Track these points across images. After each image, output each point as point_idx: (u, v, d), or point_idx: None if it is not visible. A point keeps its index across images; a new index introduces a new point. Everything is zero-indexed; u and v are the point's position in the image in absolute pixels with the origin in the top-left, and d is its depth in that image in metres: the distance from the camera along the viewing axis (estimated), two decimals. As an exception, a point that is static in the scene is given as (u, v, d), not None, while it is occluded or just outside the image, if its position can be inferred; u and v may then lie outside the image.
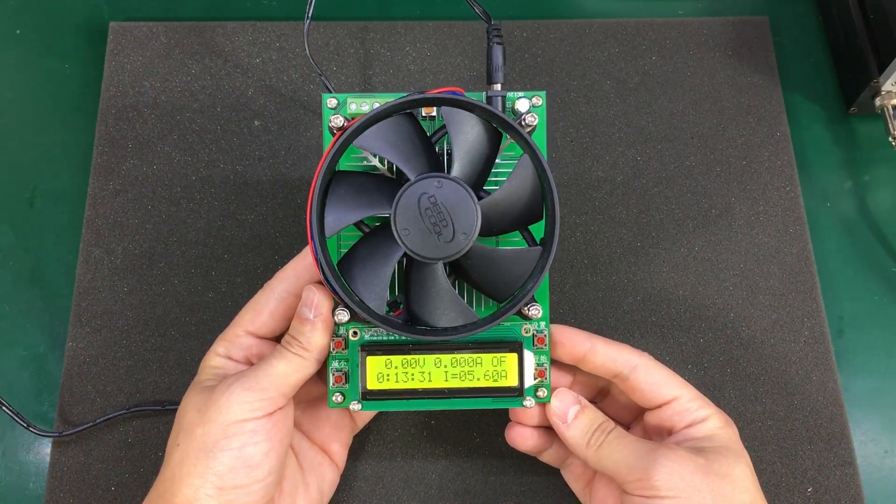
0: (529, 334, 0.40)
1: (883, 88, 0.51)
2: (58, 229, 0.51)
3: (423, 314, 0.37)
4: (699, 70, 0.55)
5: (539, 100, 0.39)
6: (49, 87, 0.55)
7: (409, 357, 0.39)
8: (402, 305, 0.39)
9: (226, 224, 0.50)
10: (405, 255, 0.36)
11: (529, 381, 0.39)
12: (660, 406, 0.39)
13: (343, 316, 0.37)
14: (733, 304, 0.49)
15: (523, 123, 0.37)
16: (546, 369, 0.40)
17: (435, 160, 0.37)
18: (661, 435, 0.40)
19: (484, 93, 0.39)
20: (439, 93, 0.36)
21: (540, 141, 0.39)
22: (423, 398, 0.39)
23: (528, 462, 0.44)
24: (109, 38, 0.55)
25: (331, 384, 0.39)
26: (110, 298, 0.49)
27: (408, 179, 0.36)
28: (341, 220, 0.36)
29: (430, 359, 0.39)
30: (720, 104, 0.54)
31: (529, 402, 0.39)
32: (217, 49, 0.54)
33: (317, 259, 0.36)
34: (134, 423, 0.46)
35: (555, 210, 0.36)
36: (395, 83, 0.54)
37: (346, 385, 0.39)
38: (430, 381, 0.39)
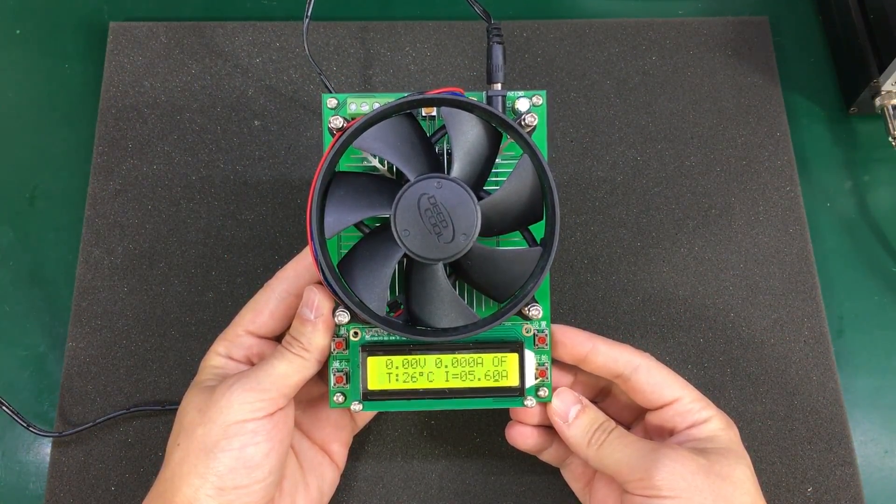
0: (530, 334, 0.40)
1: (883, 88, 0.51)
2: (58, 229, 0.51)
3: (424, 315, 0.37)
4: (699, 70, 0.55)
5: (539, 99, 0.39)
6: (49, 88, 0.55)
7: (409, 357, 0.39)
8: (402, 306, 0.39)
9: (226, 224, 0.50)
10: (405, 255, 0.36)
11: (530, 381, 0.39)
12: (661, 407, 0.39)
13: (343, 317, 0.37)
14: (733, 304, 0.49)
15: (523, 123, 0.37)
16: (547, 369, 0.40)
17: (435, 161, 0.37)
18: (662, 436, 0.40)
19: (484, 92, 0.39)
20: (439, 93, 0.36)
21: (540, 140, 0.39)
22: (424, 398, 0.39)
23: (527, 462, 0.44)
24: (109, 38, 0.55)
25: (332, 384, 0.39)
26: (110, 298, 0.48)
27: (408, 180, 0.36)
28: (341, 221, 0.36)
29: (430, 359, 0.39)
30: (720, 104, 0.54)
31: (530, 401, 0.39)
32: (217, 49, 0.54)
33: (317, 260, 0.36)
34: (134, 423, 0.46)
35: (555, 210, 0.36)
36: (395, 83, 0.54)
37: (347, 385, 0.39)
38: (430, 381, 0.39)
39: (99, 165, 0.51)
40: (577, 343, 0.40)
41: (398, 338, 0.39)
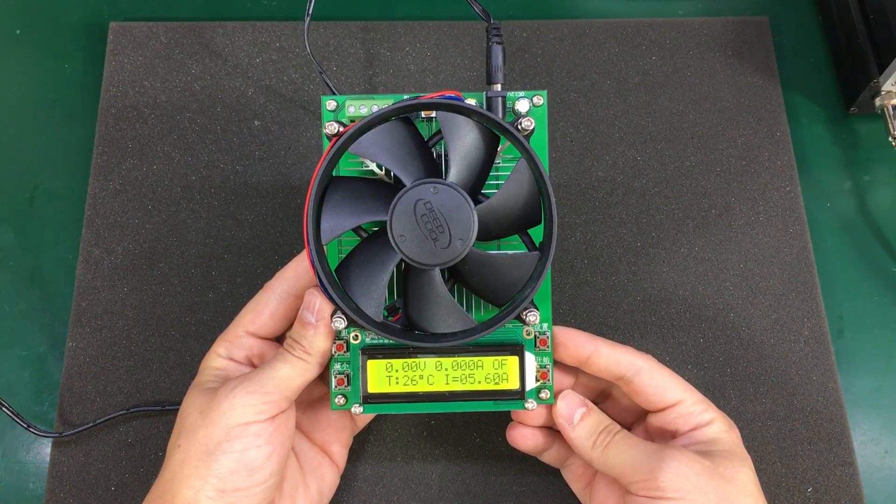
0: (531, 336, 0.40)
1: (883, 88, 0.51)
2: (58, 229, 0.51)
3: (421, 320, 0.37)
4: (699, 70, 0.54)
5: (540, 99, 0.39)
6: (49, 88, 0.55)
7: (409, 360, 0.39)
8: (401, 310, 0.39)
9: (226, 224, 0.50)
10: (402, 260, 0.36)
11: (531, 384, 0.39)
12: (663, 409, 0.39)
13: (340, 323, 0.37)
14: (733, 304, 0.49)
15: (519, 128, 0.36)
16: (549, 371, 0.40)
17: (431, 165, 0.37)
18: (664, 438, 0.40)
19: (484, 93, 0.39)
20: (434, 97, 0.36)
21: (541, 141, 0.39)
22: (425, 401, 0.39)
23: (528, 462, 0.44)
24: (109, 38, 0.55)
25: (333, 386, 0.39)
26: (110, 298, 0.49)
27: (404, 185, 0.36)
28: (337, 226, 0.36)
29: (431, 362, 0.39)
30: (720, 104, 0.54)
31: (531, 404, 0.39)
32: (217, 49, 0.54)
33: (313, 266, 0.36)
34: (134, 423, 0.46)
35: (552, 216, 0.36)
36: (395, 83, 0.54)
37: (348, 387, 0.39)
38: (431, 384, 0.39)
39: (99, 165, 0.51)
40: (579, 345, 0.40)
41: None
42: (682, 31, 0.56)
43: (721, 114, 0.53)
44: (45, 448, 0.47)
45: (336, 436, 0.42)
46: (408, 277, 0.37)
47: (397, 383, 0.39)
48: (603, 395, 0.43)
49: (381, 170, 0.39)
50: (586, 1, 0.59)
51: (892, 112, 0.51)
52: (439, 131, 0.38)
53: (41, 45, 0.56)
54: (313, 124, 0.53)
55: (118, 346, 0.48)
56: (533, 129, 0.37)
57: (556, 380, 0.40)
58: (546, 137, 0.39)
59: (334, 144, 0.36)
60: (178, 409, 0.38)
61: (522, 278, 0.37)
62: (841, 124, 0.55)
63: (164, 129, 0.52)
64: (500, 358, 0.39)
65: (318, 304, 0.37)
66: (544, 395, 0.40)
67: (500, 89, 0.39)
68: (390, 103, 0.36)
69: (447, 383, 0.39)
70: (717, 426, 0.39)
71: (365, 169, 0.39)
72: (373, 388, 0.39)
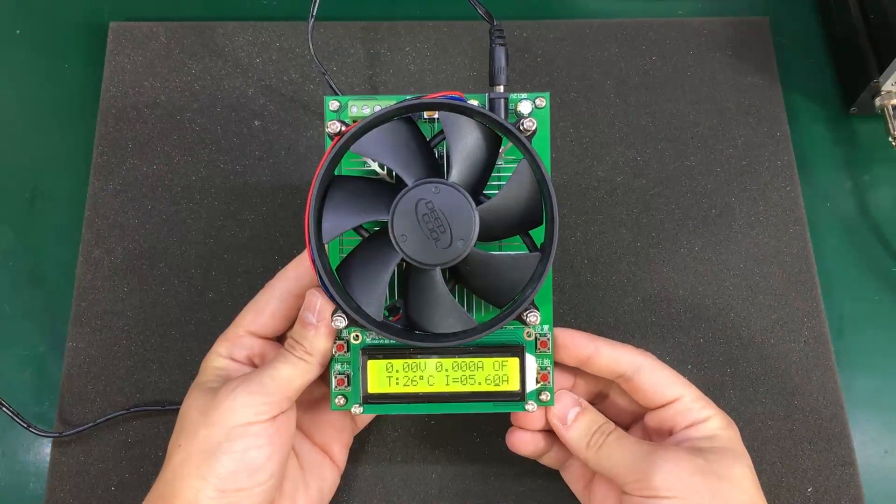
0: (532, 338, 0.39)
1: (883, 88, 0.51)
2: (58, 229, 0.51)
3: (422, 320, 0.37)
4: (699, 70, 0.55)
5: (543, 101, 0.39)
6: (49, 88, 0.55)
7: (410, 361, 0.39)
8: (401, 310, 0.39)
9: (226, 224, 0.50)
10: (403, 260, 0.36)
11: (531, 386, 0.39)
12: (662, 406, 0.39)
13: (340, 322, 0.37)
14: (733, 304, 0.49)
15: (522, 128, 0.36)
16: (549, 373, 0.40)
17: (433, 165, 0.36)
18: (661, 436, 0.40)
19: (486, 94, 0.39)
20: (436, 97, 0.36)
21: (543, 143, 0.39)
22: (425, 402, 0.39)
23: (527, 463, 0.44)
24: (109, 38, 0.54)
25: (333, 387, 0.39)
26: (110, 298, 0.48)
27: (406, 184, 0.36)
28: (338, 225, 0.36)
29: (431, 363, 0.39)
30: (720, 104, 0.54)
31: (531, 406, 0.39)
32: (217, 49, 0.54)
33: (314, 265, 0.36)
34: (134, 423, 0.46)
35: (554, 217, 0.36)
36: (396, 83, 0.54)
37: (349, 388, 0.39)
38: (431, 385, 0.39)
39: (99, 165, 0.51)
40: (580, 345, 0.40)
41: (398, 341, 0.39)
42: (682, 31, 0.56)
43: (721, 114, 0.53)
44: (45, 448, 0.47)
45: (336, 436, 0.42)
46: (409, 277, 0.37)
47: (397, 384, 0.39)
48: (600, 395, 0.43)
49: (383, 169, 0.39)
50: (586, 1, 0.59)
51: (892, 112, 0.51)
52: (441, 132, 0.38)
53: (41, 45, 0.56)
54: (313, 124, 0.53)
55: (118, 346, 0.48)
56: (535, 131, 0.36)
57: (557, 381, 0.40)
58: (548, 139, 0.39)
59: (336, 143, 0.36)
60: (178, 409, 0.38)
61: (523, 279, 0.37)
62: (841, 124, 0.55)
63: (164, 129, 0.52)
64: (500, 359, 0.39)
65: (320, 305, 0.37)
66: (544, 396, 0.39)
67: (502, 91, 0.39)
68: (393, 103, 0.36)
69: (447, 384, 0.39)
70: (714, 422, 0.39)
71: (367, 168, 0.39)
72: (373, 388, 0.39)
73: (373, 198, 0.36)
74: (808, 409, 0.47)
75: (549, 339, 0.40)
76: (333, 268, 0.38)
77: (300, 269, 0.40)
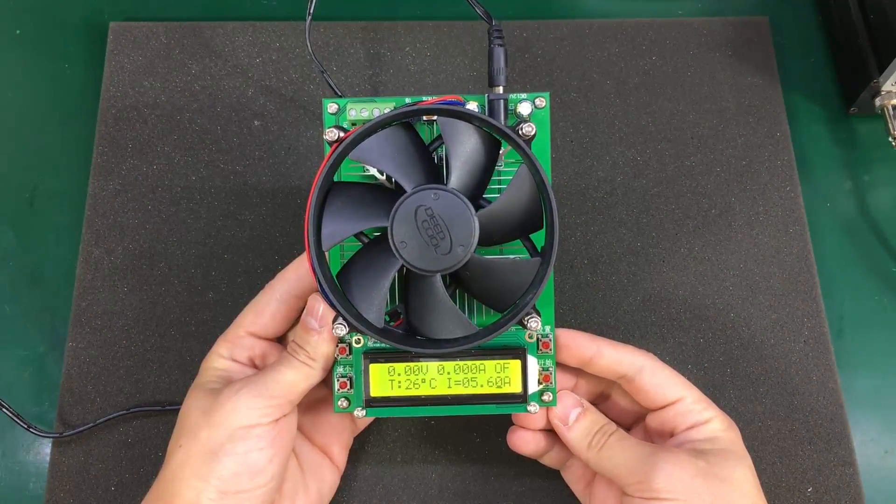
0: (534, 339, 0.39)
1: (883, 88, 0.51)
2: (58, 229, 0.51)
3: (422, 326, 0.37)
4: (699, 70, 0.54)
5: (542, 101, 0.38)
6: (49, 88, 0.55)
7: (412, 364, 0.39)
8: (402, 315, 0.39)
9: (226, 224, 0.50)
10: (403, 266, 0.36)
11: (533, 387, 0.39)
12: (663, 407, 0.39)
13: (341, 330, 0.37)
14: (733, 304, 0.49)
15: (520, 133, 0.36)
16: (551, 374, 0.40)
17: (432, 170, 0.36)
18: (662, 437, 0.40)
19: (485, 95, 0.38)
20: (434, 103, 0.36)
21: (543, 145, 0.39)
22: (427, 405, 0.39)
23: (527, 463, 0.44)
24: (109, 38, 0.54)
25: (336, 389, 0.39)
26: (110, 298, 0.48)
27: (405, 191, 0.35)
28: (338, 232, 0.36)
29: (433, 366, 0.39)
30: (720, 104, 0.54)
31: (534, 407, 0.39)
32: (217, 49, 0.54)
33: (314, 272, 0.36)
34: (134, 424, 0.46)
35: (554, 222, 0.35)
36: (396, 83, 0.54)
37: (351, 390, 0.39)
38: (433, 388, 0.39)
39: (99, 165, 0.51)
40: (582, 346, 0.40)
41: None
42: (682, 31, 0.56)
43: (721, 114, 0.53)
44: (45, 448, 0.47)
45: (336, 437, 0.42)
46: (409, 283, 0.37)
47: (399, 387, 0.39)
48: (602, 396, 0.43)
49: (383, 175, 0.39)
50: (586, 1, 0.59)
51: (892, 112, 0.51)
52: (439, 136, 0.38)
53: (41, 45, 0.56)
54: (313, 124, 0.53)
55: (118, 346, 0.48)
56: (534, 135, 0.36)
57: (558, 382, 0.40)
58: (548, 140, 0.39)
59: (334, 151, 0.36)
60: (178, 410, 0.38)
61: (524, 284, 0.37)
62: (841, 124, 0.55)
63: (164, 129, 0.52)
64: (502, 362, 0.39)
65: (322, 310, 0.37)
66: (547, 397, 0.39)
67: (501, 91, 0.39)
68: (391, 107, 0.36)
69: (449, 387, 0.39)
70: (715, 424, 0.39)
71: (366, 174, 0.39)
72: (375, 391, 0.39)
73: (372, 204, 0.36)
74: (808, 409, 0.47)
75: (550, 340, 0.40)
76: (333, 274, 0.37)
77: (300, 270, 0.40)
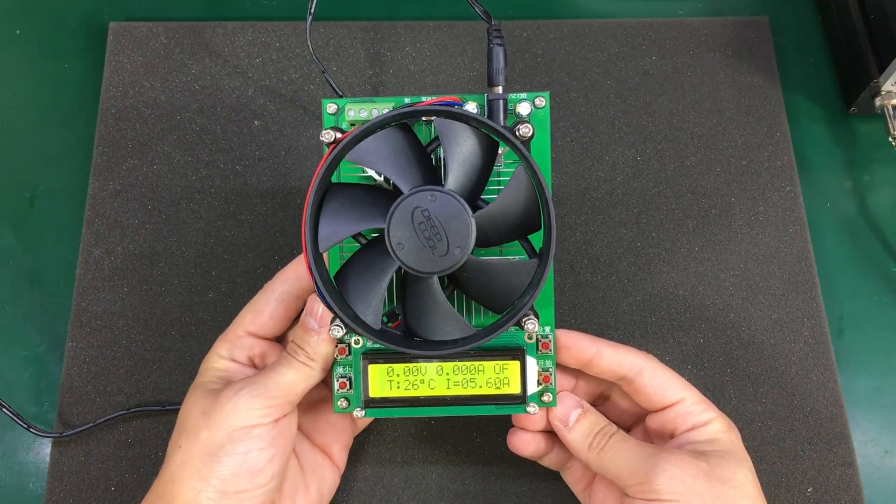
0: (533, 340, 0.39)
1: (883, 88, 0.51)
2: (58, 229, 0.51)
3: (420, 327, 0.37)
4: (699, 70, 0.54)
5: (542, 101, 0.38)
6: (49, 88, 0.55)
7: (410, 365, 0.39)
8: (400, 316, 0.39)
9: (226, 224, 0.50)
10: (400, 268, 0.36)
11: (532, 388, 0.39)
12: (663, 408, 0.39)
13: (338, 331, 0.37)
14: (733, 304, 0.49)
15: (518, 134, 0.36)
16: (551, 374, 0.40)
17: (430, 172, 0.36)
18: (662, 438, 0.40)
19: (485, 95, 0.38)
20: (431, 104, 0.36)
21: (542, 144, 0.39)
22: (426, 405, 0.39)
23: (527, 464, 0.44)
24: (109, 38, 0.54)
25: (335, 390, 0.39)
26: (110, 298, 0.48)
27: (402, 192, 0.35)
28: (335, 234, 0.36)
29: (432, 367, 0.39)
30: (720, 104, 0.54)
31: (533, 408, 0.39)
32: (217, 49, 0.54)
33: (311, 274, 0.36)
34: (134, 424, 0.46)
35: (551, 223, 0.35)
36: (396, 83, 0.54)
37: (351, 390, 0.39)
38: (432, 388, 0.39)
39: (99, 165, 0.51)
40: (582, 347, 0.40)
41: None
42: (682, 31, 0.56)
43: (721, 114, 0.53)
44: (45, 448, 0.47)
45: (336, 437, 0.42)
46: (406, 285, 0.37)
47: (398, 388, 0.39)
48: (601, 397, 0.43)
49: (381, 176, 0.39)
50: (586, 1, 0.59)
51: (892, 112, 0.51)
52: (437, 137, 0.38)
53: (41, 45, 0.56)
54: (313, 125, 0.53)
55: (118, 346, 0.48)
56: (532, 136, 0.36)
57: (558, 383, 0.40)
58: (548, 140, 0.39)
59: (331, 152, 0.35)
60: (178, 410, 0.38)
61: (521, 285, 0.37)
62: (841, 124, 0.55)
63: (164, 129, 0.52)
64: (501, 362, 0.39)
65: (321, 311, 0.37)
66: (546, 398, 0.39)
67: (501, 91, 0.38)
68: (390, 108, 0.36)
69: (448, 388, 0.39)
70: (715, 426, 0.39)
71: (364, 175, 0.39)
72: (374, 392, 0.39)
73: (370, 205, 0.36)
74: (808, 409, 0.47)
75: (550, 341, 0.40)
76: (331, 276, 0.37)
77: (299, 270, 0.40)
